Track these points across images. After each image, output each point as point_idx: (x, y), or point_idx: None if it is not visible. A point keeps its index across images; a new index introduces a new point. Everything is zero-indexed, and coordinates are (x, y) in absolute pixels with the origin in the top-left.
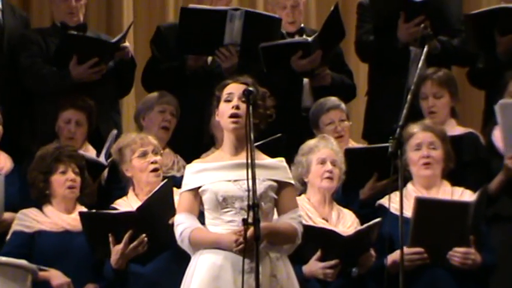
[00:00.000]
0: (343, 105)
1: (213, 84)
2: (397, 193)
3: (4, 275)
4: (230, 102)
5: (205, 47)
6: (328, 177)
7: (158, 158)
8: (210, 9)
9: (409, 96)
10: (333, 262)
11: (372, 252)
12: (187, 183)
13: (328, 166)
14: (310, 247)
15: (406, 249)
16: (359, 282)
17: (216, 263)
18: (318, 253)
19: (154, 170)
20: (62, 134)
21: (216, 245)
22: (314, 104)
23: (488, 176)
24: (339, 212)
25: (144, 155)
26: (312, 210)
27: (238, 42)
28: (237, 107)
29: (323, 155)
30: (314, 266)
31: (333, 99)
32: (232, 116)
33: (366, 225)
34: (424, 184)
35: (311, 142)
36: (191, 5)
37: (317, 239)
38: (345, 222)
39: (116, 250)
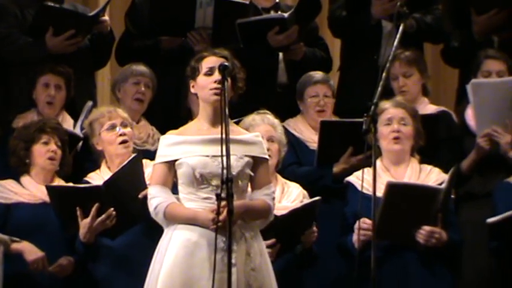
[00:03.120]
0: (331, 82)
1: (188, 59)
2: (366, 170)
3: None
4: (211, 76)
5: (177, 31)
6: None
7: (127, 130)
8: None
9: (383, 74)
10: (269, 242)
11: (314, 228)
12: (162, 155)
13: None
14: None
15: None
16: (304, 258)
17: (191, 240)
18: None
19: (123, 142)
20: (40, 100)
21: (192, 221)
22: (304, 75)
23: (461, 154)
24: (283, 186)
25: (112, 127)
26: None
27: (209, 25)
28: (219, 82)
29: (258, 132)
30: None
31: (322, 74)
32: (214, 89)
33: (302, 204)
34: (392, 159)
35: (248, 119)
36: None
37: None
38: (289, 197)
39: (84, 224)
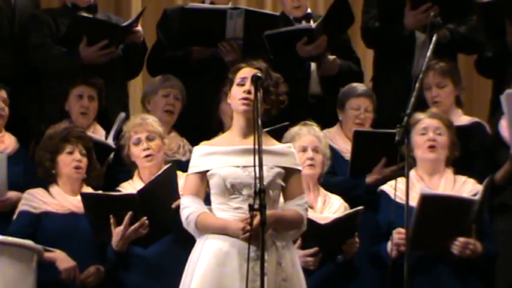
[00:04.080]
0: (374, 96)
1: (220, 70)
2: (401, 180)
3: (10, 254)
4: (243, 87)
5: (207, 41)
6: (309, 165)
7: (153, 143)
8: (210, 8)
9: (417, 85)
10: (312, 250)
11: (356, 239)
12: (195, 166)
13: (310, 153)
14: None
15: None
16: (344, 268)
17: (222, 249)
18: (299, 241)
19: (147, 156)
20: (74, 111)
21: (222, 231)
22: (347, 86)
23: (495, 166)
24: (325, 197)
25: (138, 142)
26: None
27: (240, 36)
28: (249, 92)
29: (304, 142)
30: None
31: (366, 88)
32: (243, 98)
33: (344, 213)
34: (427, 169)
35: (294, 129)
36: (191, 4)
37: None
38: (331, 208)
39: (117, 232)
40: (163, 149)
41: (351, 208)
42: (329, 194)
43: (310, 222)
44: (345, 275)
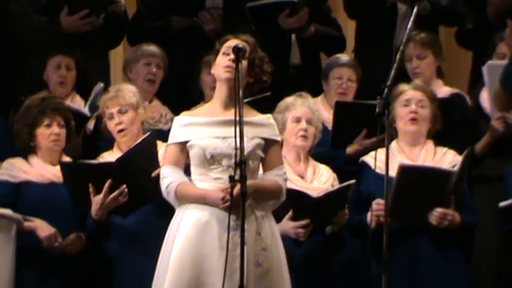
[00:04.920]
0: (358, 66)
1: (200, 38)
2: (381, 151)
3: None
4: (228, 56)
5: (187, 10)
6: (302, 136)
7: (125, 117)
8: None
9: (397, 56)
10: (303, 222)
11: (346, 210)
12: (175, 136)
13: (303, 125)
14: (282, 207)
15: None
16: (333, 239)
17: (201, 219)
18: (290, 213)
19: (120, 131)
20: (52, 81)
21: (202, 200)
22: (332, 56)
23: (475, 137)
24: (314, 168)
25: (111, 117)
26: (287, 167)
27: (220, 5)
28: (234, 60)
29: (298, 113)
30: (286, 225)
31: (350, 58)
32: (227, 66)
33: (337, 186)
34: (408, 141)
35: (288, 100)
36: None
37: (288, 200)
38: (321, 178)
39: (96, 200)
40: (144, 118)
41: (339, 178)
42: (318, 164)
43: (303, 194)
44: (332, 246)
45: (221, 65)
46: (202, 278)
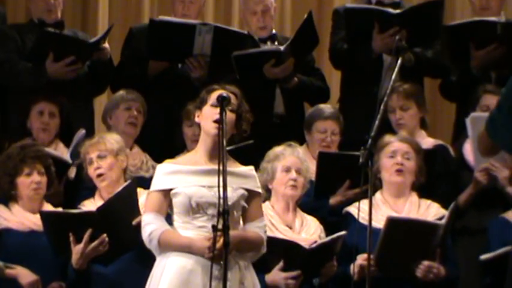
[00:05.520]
0: (341, 118)
1: (181, 87)
2: (365, 201)
3: None
4: (217, 108)
5: (174, 56)
6: (292, 185)
7: (103, 162)
8: (179, 22)
9: (381, 107)
10: (294, 273)
11: (334, 262)
12: (158, 183)
13: (293, 174)
14: (273, 257)
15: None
16: None
17: (186, 267)
18: (281, 263)
19: (98, 176)
20: (34, 127)
21: (187, 249)
22: (314, 107)
23: (457, 189)
24: (302, 219)
25: (90, 162)
26: (275, 217)
27: (207, 53)
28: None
29: (288, 162)
30: (276, 276)
31: (333, 109)
32: (216, 121)
33: (329, 237)
34: (393, 192)
35: (277, 149)
36: (160, 17)
37: (280, 250)
38: (308, 230)
39: (77, 250)
40: (125, 165)
41: (325, 231)
42: (306, 215)
43: (295, 245)
44: None
45: (210, 119)
46: None
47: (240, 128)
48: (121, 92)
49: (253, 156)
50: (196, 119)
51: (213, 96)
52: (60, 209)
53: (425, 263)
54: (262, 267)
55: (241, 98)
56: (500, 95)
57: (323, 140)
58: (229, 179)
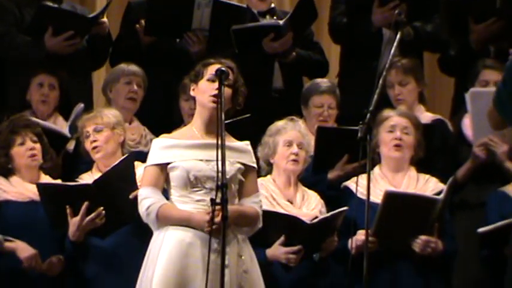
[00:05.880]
0: (337, 92)
1: (180, 62)
2: (364, 176)
3: None
4: (213, 83)
5: (173, 31)
6: (293, 160)
7: (99, 135)
8: None
9: (380, 82)
10: (295, 248)
11: (335, 237)
12: (154, 158)
13: (294, 148)
14: (274, 232)
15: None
16: (321, 265)
17: (185, 240)
18: (282, 238)
19: (93, 149)
20: (34, 100)
21: (186, 222)
22: (310, 82)
23: (456, 163)
24: (303, 193)
25: (87, 136)
26: (276, 191)
27: (206, 27)
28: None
29: (290, 137)
30: (277, 251)
31: (329, 83)
32: (214, 96)
33: (331, 213)
34: (391, 167)
35: (279, 123)
36: None
37: (281, 225)
38: (309, 204)
39: (73, 222)
40: (122, 139)
41: (328, 205)
42: (307, 190)
43: (297, 220)
44: (320, 272)
45: (207, 93)
46: None
47: (236, 102)
48: (122, 65)
49: (250, 130)
50: (192, 93)
51: (210, 71)
52: (57, 181)
53: (423, 237)
54: (263, 242)
55: (237, 72)
56: (505, 69)
57: (320, 115)
58: (226, 153)
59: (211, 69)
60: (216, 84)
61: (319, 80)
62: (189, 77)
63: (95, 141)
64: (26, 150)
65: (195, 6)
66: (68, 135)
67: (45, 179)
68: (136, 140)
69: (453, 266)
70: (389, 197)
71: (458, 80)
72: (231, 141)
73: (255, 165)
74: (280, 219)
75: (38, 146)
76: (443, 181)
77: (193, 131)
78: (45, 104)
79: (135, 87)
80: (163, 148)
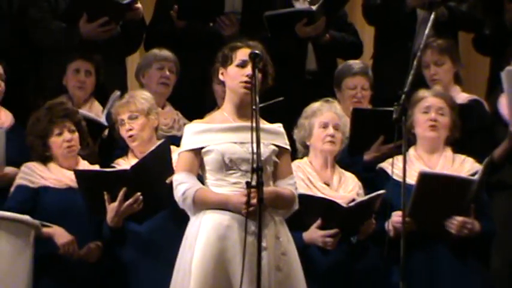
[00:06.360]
0: (370, 73)
1: (213, 45)
2: (399, 158)
3: (7, 229)
4: (243, 69)
5: (206, 15)
6: (330, 141)
7: (135, 123)
8: None
9: (415, 63)
10: (332, 231)
11: (373, 220)
12: (188, 143)
13: (331, 130)
14: (311, 215)
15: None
16: (358, 248)
17: (222, 223)
18: (319, 221)
19: (129, 137)
20: (70, 85)
21: (223, 205)
22: (342, 64)
23: (493, 144)
24: (340, 175)
25: (122, 123)
26: (313, 174)
27: (238, 10)
28: (251, 76)
29: (326, 118)
30: (314, 234)
31: (362, 65)
32: (245, 82)
33: (367, 196)
34: (427, 148)
35: (315, 105)
36: None
37: (318, 209)
38: (346, 187)
39: (111, 208)
40: (156, 124)
41: (364, 187)
42: (344, 172)
43: (333, 203)
44: (357, 255)
45: (237, 80)
46: (228, 281)
47: (267, 84)
48: (154, 51)
49: (282, 113)
50: (221, 77)
51: (238, 55)
52: (95, 167)
53: (459, 218)
54: (300, 225)
55: (266, 56)
56: None
57: (353, 96)
58: (260, 135)
59: (240, 54)
60: (246, 70)
61: (351, 61)
62: (216, 60)
63: (130, 129)
64: (63, 142)
65: None
66: (105, 123)
67: (83, 165)
68: (169, 125)
69: (491, 247)
70: (424, 177)
71: (493, 60)
72: (263, 124)
73: (288, 147)
74: (317, 202)
75: (75, 135)
76: (480, 162)
77: (224, 115)
78: (82, 89)
79: (167, 72)
80: (196, 133)
